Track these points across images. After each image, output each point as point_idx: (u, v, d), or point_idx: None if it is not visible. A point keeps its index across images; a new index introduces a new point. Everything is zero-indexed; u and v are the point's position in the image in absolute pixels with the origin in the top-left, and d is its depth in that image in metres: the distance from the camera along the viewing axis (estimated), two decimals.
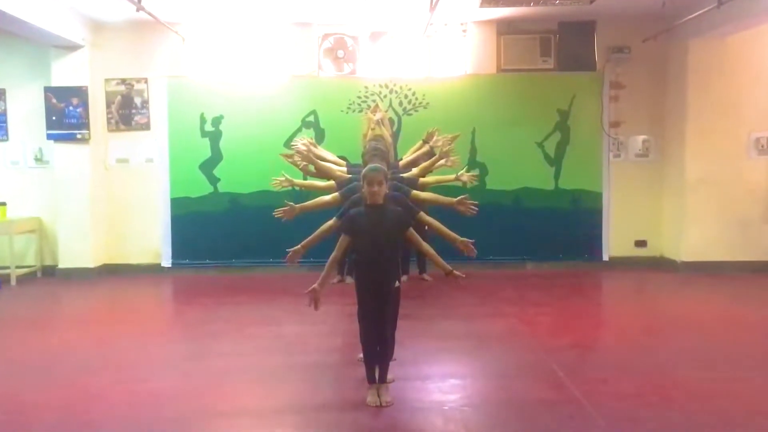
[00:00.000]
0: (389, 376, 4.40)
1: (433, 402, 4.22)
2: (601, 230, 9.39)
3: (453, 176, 5.82)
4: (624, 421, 3.88)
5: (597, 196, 9.35)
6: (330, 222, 4.52)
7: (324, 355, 5.20)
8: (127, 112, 9.18)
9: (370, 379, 4.23)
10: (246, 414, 4.10)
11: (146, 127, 9.20)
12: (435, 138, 6.95)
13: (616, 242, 9.37)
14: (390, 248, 4.21)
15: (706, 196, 8.71)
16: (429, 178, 5.76)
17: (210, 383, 4.61)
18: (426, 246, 4.37)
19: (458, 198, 4.93)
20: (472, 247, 4.41)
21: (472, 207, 4.90)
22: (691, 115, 8.67)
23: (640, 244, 9.41)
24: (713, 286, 7.92)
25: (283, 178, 5.49)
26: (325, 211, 4.91)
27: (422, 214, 4.64)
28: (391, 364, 4.52)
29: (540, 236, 9.28)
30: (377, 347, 4.22)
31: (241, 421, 4.02)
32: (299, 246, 4.50)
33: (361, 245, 4.20)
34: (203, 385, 4.58)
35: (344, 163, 6.45)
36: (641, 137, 9.30)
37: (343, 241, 4.23)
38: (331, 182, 5.23)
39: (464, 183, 5.81)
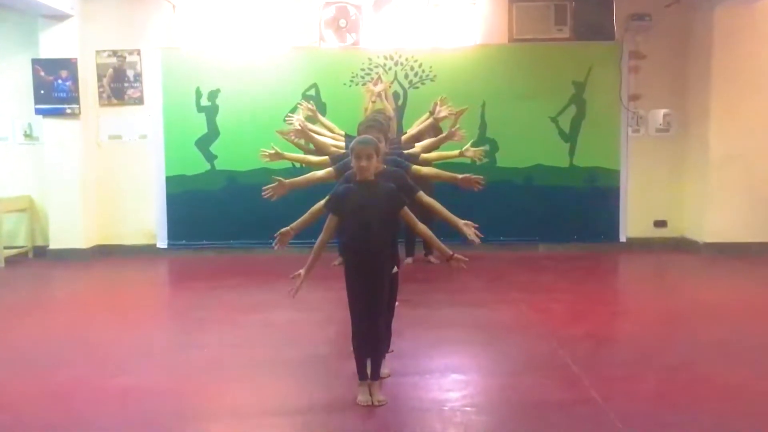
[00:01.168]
0: (384, 371, 3.97)
1: (431, 401, 3.78)
2: (618, 210, 8.88)
3: (457, 152, 5.33)
4: (646, 425, 3.43)
5: (614, 174, 8.83)
6: (322, 201, 4.08)
7: (316, 347, 4.78)
8: (119, 85, 8.74)
9: (361, 376, 3.80)
10: (222, 416, 3.67)
11: (139, 101, 8.77)
12: (438, 108, 6.48)
13: (634, 222, 8.87)
14: (382, 230, 3.75)
15: (731, 174, 8.16)
16: (431, 154, 5.28)
17: (188, 379, 4.19)
18: (421, 227, 3.89)
19: (463, 175, 4.47)
20: (477, 232, 3.96)
21: (479, 183, 4.44)
22: (716, 86, 8.11)
23: (660, 224, 8.90)
24: (739, 270, 7.42)
25: (273, 151, 5.04)
26: (324, 188, 4.50)
27: (421, 194, 4.18)
28: (388, 356, 4.10)
29: (553, 216, 8.79)
30: (368, 341, 3.79)
31: (216, 426, 3.60)
32: (288, 228, 4.08)
33: (348, 226, 3.75)
34: (180, 381, 4.16)
35: (343, 135, 6.00)
36: (662, 111, 8.75)
37: (330, 221, 3.79)
38: (325, 158, 4.78)
39: (471, 159, 5.30)
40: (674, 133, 8.78)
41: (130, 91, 8.75)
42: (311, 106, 6.19)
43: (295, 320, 5.47)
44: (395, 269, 4.07)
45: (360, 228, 3.70)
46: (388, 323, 4.23)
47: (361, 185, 3.72)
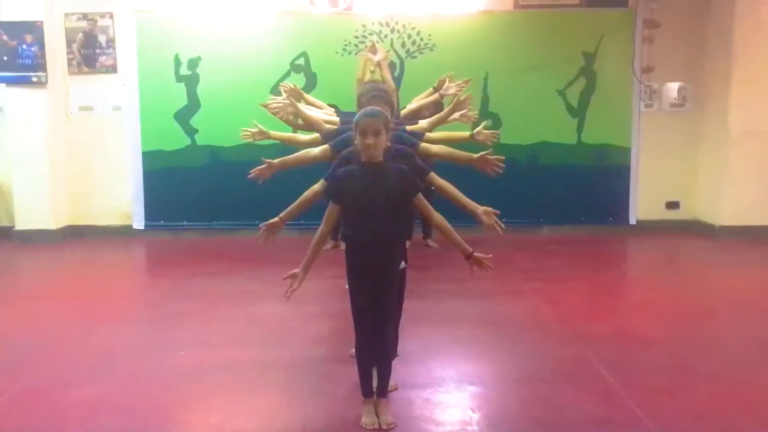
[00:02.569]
0: (391, 382, 3.39)
1: (449, 423, 3.19)
2: (629, 190, 8.32)
3: (468, 133, 4.67)
4: None
5: (625, 152, 8.26)
6: (316, 186, 3.48)
7: (308, 348, 4.19)
8: (90, 52, 8.01)
9: (366, 392, 3.21)
10: None
11: (113, 69, 8.04)
12: (446, 85, 5.86)
13: (644, 204, 8.31)
14: (391, 220, 3.15)
15: (751, 152, 7.60)
16: (437, 134, 4.63)
17: (155, 391, 3.57)
18: (438, 217, 3.30)
19: (480, 154, 3.86)
20: (498, 221, 3.38)
21: (498, 165, 3.84)
22: (738, 58, 7.51)
23: (672, 205, 8.35)
24: (763, 256, 6.90)
25: (256, 129, 4.40)
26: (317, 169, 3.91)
27: (433, 175, 3.57)
28: (393, 363, 3.51)
29: (559, 196, 8.22)
30: (375, 352, 3.19)
31: None
32: (277, 218, 3.48)
33: (353, 216, 3.14)
34: (145, 393, 3.53)
35: (334, 112, 5.34)
36: (677, 84, 8.16)
37: (332, 211, 3.17)
38: (316, 135, 4.15)
39: (482, 142, 4.63)
40: (689, 108, 8.19)
41: (102, 59, 8.02)
42: (294, 86, 5.25)
43: (284, 315, 4.86)
44: (403, 264, 3.48)
45: (366, 218, 3.10)
46: (396, 325, 3.65)
47: (366, 167, 3.11)
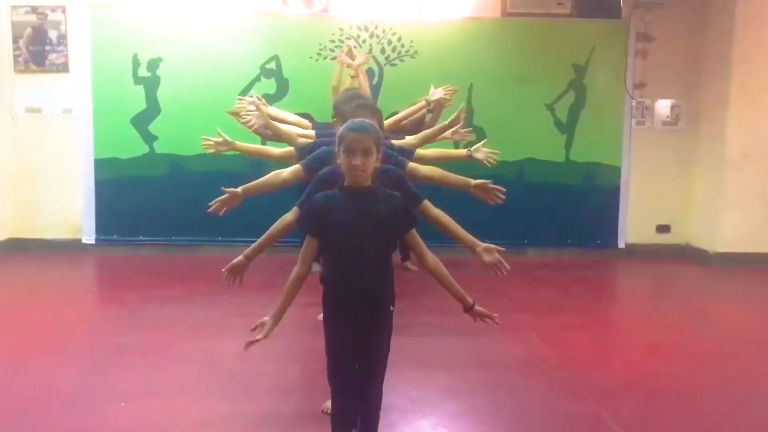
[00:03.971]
0: None
1: None
2: (618, 212, 7.85)
3: (464, 151, 4.12)
4: None
5: (615, 171, 7.79)
6: (288, 216, 2.91)
7: (276, 398, 3.57)
8: (39, 48, 7.27)
9: None
10: None
11: (64, 68, 7.32)
12: (432, 90, 5.36)
13: (634, 227, 7.84)
14: (380, 258, 2.60)
15: (750, 175, 7.15)
16: (428, 151, 4.07)
17: None
18: (432, 260, 2.74)
19: (479, 181, 3.31)
20: (504, 263, 2.85)
21: (498, 194, 3.30)
22: (737, 74, 7.08)
23: (663, 229, 7.90)
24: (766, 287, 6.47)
25: (220, 139, 3.79)
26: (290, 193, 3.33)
27: (428, 204, 3.01)
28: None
29: (545, 217, 7.71)
30: (357, 419, 2.60)
31: None
32: (242, 257, 2.93)
33: (334, 253, 2.55)
34: None
35: (309, 124, 4.74)
36: (669, 101, 7.72)
37: (308, 246, 2.59)
38: (290, 149, 3.56)
39: (480, 162, 4.06)
40: (683, 126, 7.75)
41: (52, 56, 7.30)
42: (257, 99, 4.45)
43: (247, 353, 4.21)
44: (391, 308, 2.90)
45: (350, 256, 2.52)
46: (381, 379, 3.06)
47: (350, 192, 2.53)
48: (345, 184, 2.56)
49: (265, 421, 3.30)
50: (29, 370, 3.93)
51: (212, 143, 3.81)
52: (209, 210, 3.17)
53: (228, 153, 4.28)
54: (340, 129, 2.62)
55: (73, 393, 3.61)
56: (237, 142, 3.80)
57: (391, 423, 3.24)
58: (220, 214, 3.15)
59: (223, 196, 3.15)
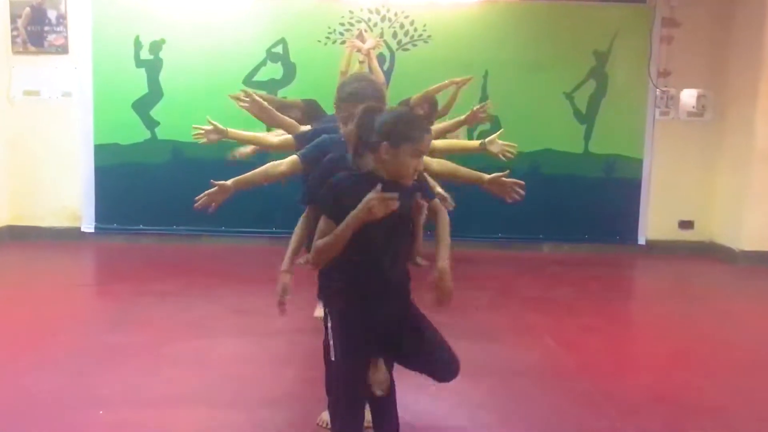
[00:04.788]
0: None
1: None
2: (639, 206, 7.51)
3: (477, 143, 3.77)
4: None
5: (636, 164, 7.44)
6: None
7: (270, 407, 3.28)
8: (37, 29, 7.02)
9: None
10: None
11: (63, 50, 7.06)
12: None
13: (655, 222, 7.50)
14: (404, 254, 2.44)
15: None
16: (438, 142, 3.74)
17: None
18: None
19: (494, 175, 2.98)
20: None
21: (517, 189, 2.98)
22: (767, 63, 6.70)
23: (686, 225, 7.54)
24: None
25: (211, 127, 3.48)
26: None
27: (436, 201, 2.72)
28: None
29: (562, 211, 7.38)
30: None
31: None
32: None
33: (366, 244, 2.27)
34: None
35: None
36: (695, 91, 7.35)
37: (328, 225, 2.29)
38: (288, 137, 3.26)
39: (495, 155, 3.69)
40: (709, 117, 7.38)
41: (51, 37, 7.03)
42: (249, 96, 3.87)
43: (243, 354, 3.99)
44: None
45: (382, 247, 2.31)
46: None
47: (392, 187, 2.22)
48: (386, 177, 2.28)
49: None
50: (8, 372, 3.67)
51: (202, 132, 3.51)
52: (196, 206, 2.88)
53: (231, 142, 4.02)
54: (403, 123, 2.32)
55: (49, 398, 3.34)
56: (230, 130, 3.49)
57: None
58: (210, 210, 2.85)
59: (212, 189, 2.85)
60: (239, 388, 3.53)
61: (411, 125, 2.31)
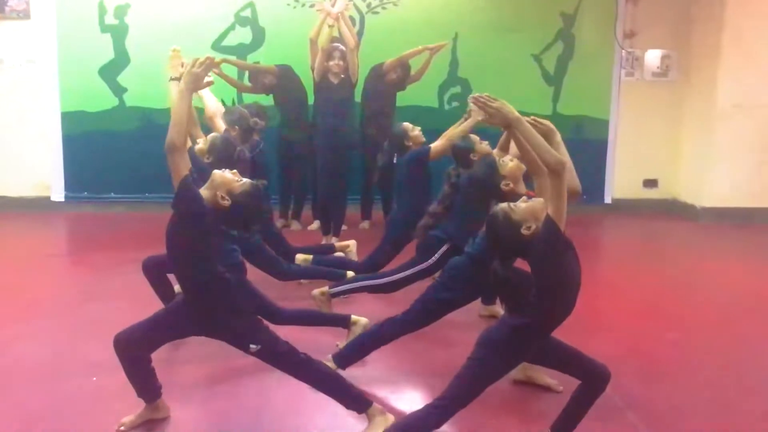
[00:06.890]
0: None
1: None
2: (605, 166, 7.69)
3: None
4: None
5: (603, 124, 7.60)
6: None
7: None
8: None
9: None
10: None
11: (25, 15, 6.91)
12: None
13: (621, 181, 7.70)
14: None
15: (740, 127, 6.97)
16: (437, 144, 4.47)
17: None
18: None
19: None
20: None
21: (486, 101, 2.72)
22: (730, 21, 6.83)
23: (650, 183, 7.76)
24: (759, 243, 6.36)
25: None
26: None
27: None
28: None
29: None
30: None
31: None
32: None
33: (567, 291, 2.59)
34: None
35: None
36: (660, 52, 7.48)
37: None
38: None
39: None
40: (672, 78, 7.54)
41: (12, 2, 6.87)
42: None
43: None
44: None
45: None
46: None
47: None
48: None
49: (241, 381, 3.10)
50: None
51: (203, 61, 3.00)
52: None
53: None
54: None
55: (40, 367, 3.37)
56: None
57: None
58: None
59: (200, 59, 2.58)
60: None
61: None
